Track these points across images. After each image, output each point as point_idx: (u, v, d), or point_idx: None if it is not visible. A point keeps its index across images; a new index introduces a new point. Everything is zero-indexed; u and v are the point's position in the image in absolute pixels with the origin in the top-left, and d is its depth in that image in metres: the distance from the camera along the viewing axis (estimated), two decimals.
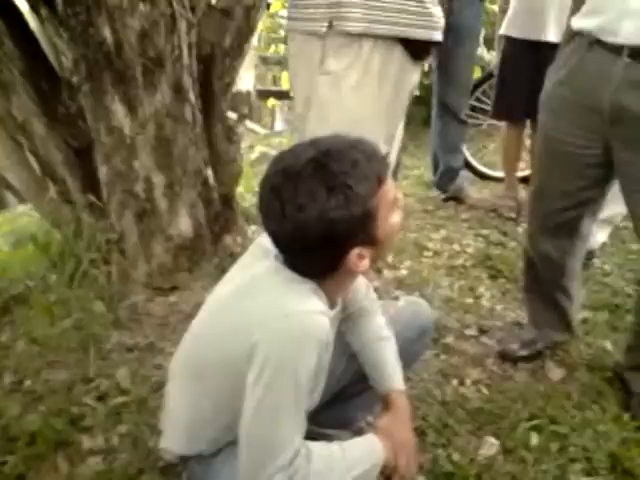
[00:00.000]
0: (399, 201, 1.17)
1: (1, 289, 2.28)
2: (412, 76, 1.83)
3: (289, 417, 1.08)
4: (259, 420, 1.08)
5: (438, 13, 1.79)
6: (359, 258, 1.11)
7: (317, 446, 1.14)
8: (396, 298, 2.12)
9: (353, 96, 1.72)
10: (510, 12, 3.03)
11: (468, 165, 3.81)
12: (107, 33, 1.74)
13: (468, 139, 3.87)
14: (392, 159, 2.04)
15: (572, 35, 1.69)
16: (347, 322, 1.42)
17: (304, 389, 1.08)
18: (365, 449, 1.20)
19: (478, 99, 3.85)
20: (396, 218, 1.15)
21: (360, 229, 1.08)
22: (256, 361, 1.06)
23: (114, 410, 1.74)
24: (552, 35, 2.82)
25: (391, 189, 1.12)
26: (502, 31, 3.07)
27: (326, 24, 1.72)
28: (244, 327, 1.08)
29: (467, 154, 3.80)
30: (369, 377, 1.41)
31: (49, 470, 1.56)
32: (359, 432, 1.60)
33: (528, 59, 2.94)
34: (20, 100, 2.12)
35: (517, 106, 3.06)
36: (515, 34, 2.99)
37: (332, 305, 1.22)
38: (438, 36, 1.80)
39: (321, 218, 1.02)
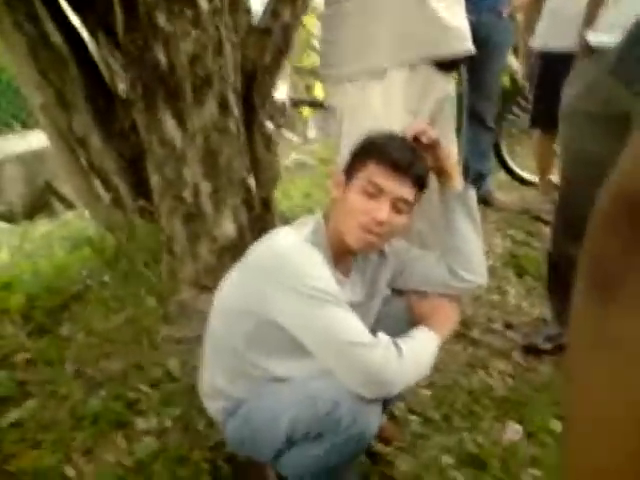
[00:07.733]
0: (379, 194, 1.23)
1: (61, 288, 2.45)
2: (440, 85, 1.80)
3: (336, 310, 1.17)
4: (314, 325, 1.18)
5: (459, 24, 1.73)
6: (337, 178, 1.30)
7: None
8: None
9: (381, 105, 1.71)
10: (542, 25, 3.03)
11: (506, 168, 3.92)
12: (162, 57, 1.92)
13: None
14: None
15: (589, 49, 1.73)
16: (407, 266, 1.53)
17: (328, 294, 1.17)
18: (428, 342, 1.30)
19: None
20: (363, 203, 1.23)
21: (356, 158, 1.29)
22: (269, 292, 1.19)
23: (166, 396, 1.88)
24: None
25: (375, 177, 1.22)
26: (535, 44, 3.08)
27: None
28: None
29: (507, 158, 3.90)
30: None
31: (111, 446, 1.72)
32: None
33: (565, 70, 2.99)
34: (81, 117, 2.33)
35: (555, 116, 3.12)
36: (550, 47, 2.98)
37: (342, 267, 1.34)
38: (463, 47, 1.75)
39: None
